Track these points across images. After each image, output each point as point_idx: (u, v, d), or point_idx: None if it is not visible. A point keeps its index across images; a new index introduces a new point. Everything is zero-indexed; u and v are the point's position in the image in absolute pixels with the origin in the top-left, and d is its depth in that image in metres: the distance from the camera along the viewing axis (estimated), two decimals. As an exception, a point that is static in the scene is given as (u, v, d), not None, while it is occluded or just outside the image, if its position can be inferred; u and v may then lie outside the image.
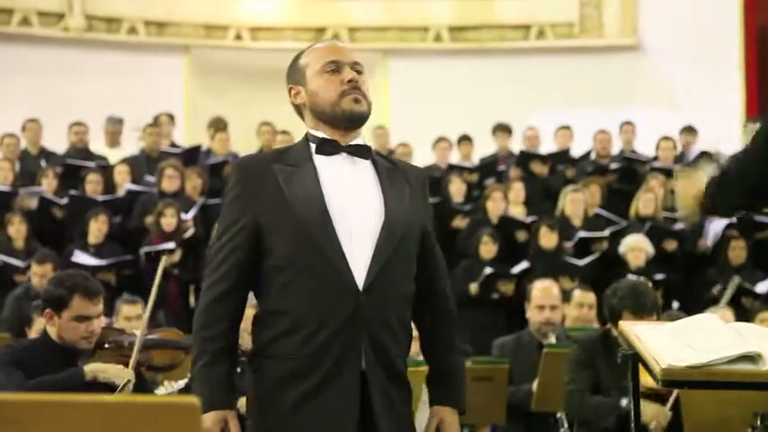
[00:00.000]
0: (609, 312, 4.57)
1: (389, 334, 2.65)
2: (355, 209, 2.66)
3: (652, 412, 4.12)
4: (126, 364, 3.82)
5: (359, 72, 2.75)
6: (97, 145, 10.44)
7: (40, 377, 3.69)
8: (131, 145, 10.78)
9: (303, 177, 2.67)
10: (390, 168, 2.79)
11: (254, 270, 2.67)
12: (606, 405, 4.35)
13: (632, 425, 3.58)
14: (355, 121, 2.73)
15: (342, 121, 2.71)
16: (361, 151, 2.75)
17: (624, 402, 4.12)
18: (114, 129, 10.55)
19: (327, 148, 2.72)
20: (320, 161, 2.71)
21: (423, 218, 2.80)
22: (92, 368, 3.78)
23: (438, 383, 2.83)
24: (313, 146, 2.73)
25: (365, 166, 2.75)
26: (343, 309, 2.59)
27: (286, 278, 2.62)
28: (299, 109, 2.81)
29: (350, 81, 2.70)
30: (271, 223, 2.64)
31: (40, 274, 7.26)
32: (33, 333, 5.12)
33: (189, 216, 8.43)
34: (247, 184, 2.68)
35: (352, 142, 2.75)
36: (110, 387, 3.74)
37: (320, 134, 2.74)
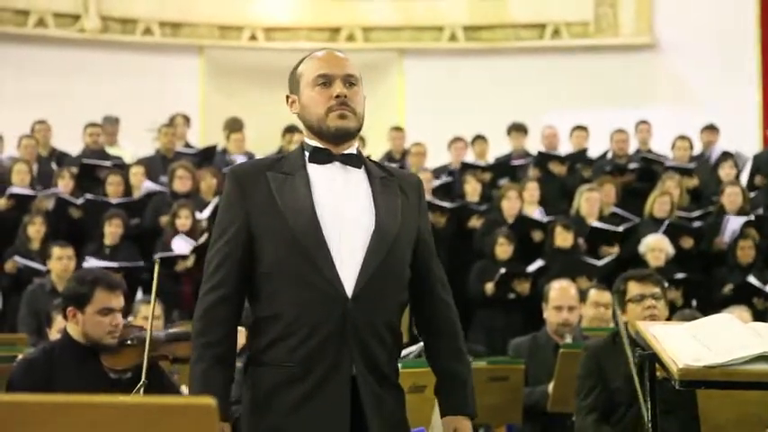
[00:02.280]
0: (617, 297, 4.58)
1: (378, 341, 2.67)
2: (346, 217, 2.68)
3: None
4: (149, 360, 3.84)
5: (352, 84, 2.75)
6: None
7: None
8: (135, 144, 10.80)
9: (295, 185, 2.69)
10: (384, 177, 2.80)
11: (248, 276, 2.69)
12: None
13: (649, 427, 3.56)
14: (341, 137, 2.74)
15: (328, 137, 2.73)
16: (354, 160, 2.77)
17: None
18: (111, 128, 10.56)
19: (320, 156, 2.74)
20: (313, 170, 2.73)
21: (417, 225, 2.81)
22: None
23: (447, 392, 2.84)
24: (307, 154, 2.76)
25: (358, 174, 2.77)
26: (332, 316, 2.61)
27: (276, 285, 2.65)
28: (298, 117, 2.83)
29: (337, 96, 2.71)
30: (262, 230, 2.67)
31: (65, 257, 7.29)
32: (54, 332, 5.12)
33: (204, 216, 8.45)
34: (240, 192, 2.71)
35: (346, 152, 2.77)
36: (133, 385, 3.76)
37: (314, 143, 2.77)
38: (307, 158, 2.75)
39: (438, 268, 2.88)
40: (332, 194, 2.70)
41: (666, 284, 5.81)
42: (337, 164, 2.75)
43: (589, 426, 4.44)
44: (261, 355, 2.67)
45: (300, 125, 2.85)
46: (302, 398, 2.61)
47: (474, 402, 2.84)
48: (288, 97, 2.82)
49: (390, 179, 2.81)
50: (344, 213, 2.68)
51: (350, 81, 2.74)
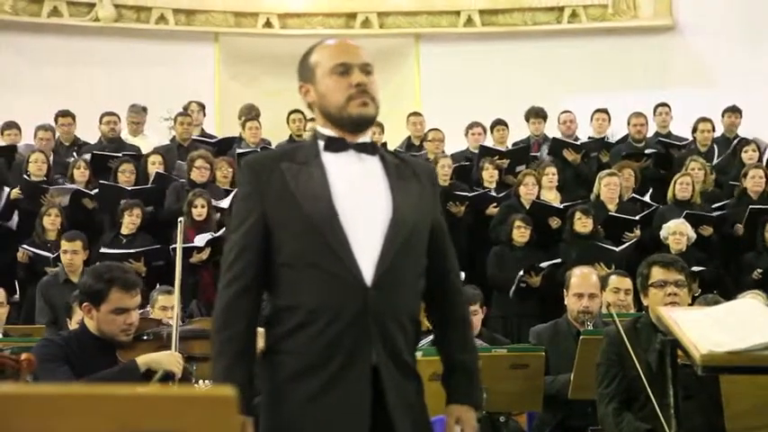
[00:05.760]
0: (640, 280, 4.55)
1: (399, 328, 2.66)
2: (363, 204, 2.67)
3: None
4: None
5: (369, 73, 2.74)
6: (128, 135, 10.48)
7: (94, 374, 3.70)
8: (159, 134, 10.81)
9: (311, 174, 2.68)
10: (399, 164, 2.80)
11: (267, 266, 2.68)
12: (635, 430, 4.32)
13: (672, 412, 3.53)
14: (362, 124, 2.74)
15: (349, 125, 2.73)
16: (369, 148, 2.77)
17: None
18: (138, 118, 10.56)
19: (335, 145, 2.73)
20: (328, 158, 2.72)
21: (433, 212, 2.82)
22: (144, 360, 3.80)
23: (453, 381, 2.84)
24: (321, 143, 2.75)
25: (373, 162, 2.76)
26: (352, 305, 2.59)
27: (295, 274, 2.63)
28: (310, 107, 2.82)
29: (358, 85, 2.70)
30: (279, 220, 2.65)
31: (71, 251, 7.32)
32: (74, 323, 5.14)
33: (224, 205, 8.45)
34: (256, 183, 2.70)
35: (360, 140, 2.76)
36: (166, 377, 3.78)
37: (328, 132, 2.75)
38: (321, 147, 2.74)
39: (452, 256, 2.88)
40: (348, 182, 2.68)
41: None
42: (352, 152, 2.74)
43: (610, 414, 4.42)
44: (279, 344, 2.66)
45: (315, 114, 2.82)
46: (321, 387, 2.59)
47: (480, 393, 2.87)
48: (301, 86, 2.81)
49: (405, 166, 2.81)
50: (361, 200, 2.67)
51: (367, 70, 2.74)
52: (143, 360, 3.81)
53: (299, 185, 2.65)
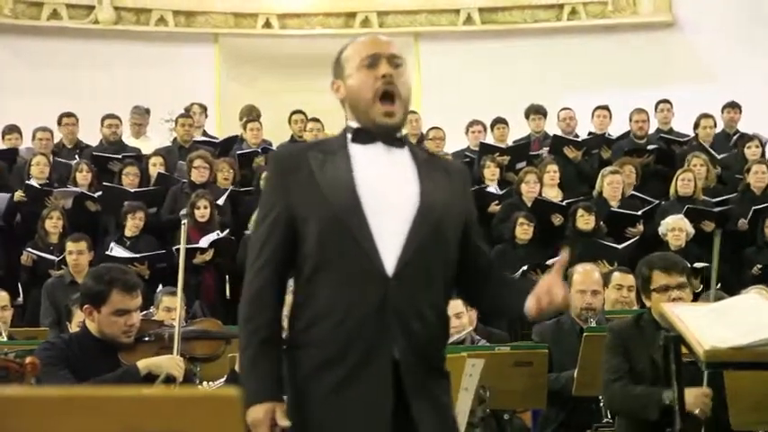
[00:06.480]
0: (641, 282, 4.54)
1: (422, 322, 2.60)
2: (389, 193, 2.64)
3: (694, 398, 3.99)
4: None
5: (398, 65, 2.73)
6: (130, 137, 10.48)
7: (94, 378, 3.70)
8: (160, 136, 10.81)
9: (336, 164, 2.67)
10: (428, 159, 2.79)
11: (292, 258, 2.67)
12: (649, 396, 4.28)
13: (676, 408, 3.53)
14: (386, 133, 2.72)
15: (373, 129, 2.72)
16: (397, 141, 2.75)
17: (667, 396, 4.00)
18: (141, 119, 10.57)
19: (363, 136, 2.72)
20: (355, 149, 2.71)
21: (465, 209, 2.78)
22: (145, 364, 3.80)
23: (512, 291, 2.80)
24: (349, 135, 2.74)
25: (402, 154, 2.74)
26: (372, 296, 2.56)
27: (317, 265, 2.61)
28: (342, 103, 2.81)
29: (384, 76, 2.69)
30: (304, 210, 2.64)
31: (76, 252, 7.33)
32: (73, 326, 5.14)
33: (219, 202, 8.47)
34: (283, 174, 2.70)
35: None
36: (168, 380, 3.79)
37: (357, 125, 2.75)
38: (349, 139, 2.73)
39: (486, 253, 2.88)
40: (375, 172, 2.66)
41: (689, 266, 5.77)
42: (380, 143, 2.72)
43: (617, 390, 4.39)
44: (300, 336, 2.65)
45: (345, 110, 2.81)
46: (340, 381, 2.57)
47: None
48: (333, 83, 2.80)
49: (435, 160, 2.80)
50: (387, 190, 2.65)
51: (395, 62, 2.73)
52: (144, 364, 3.81)
53: (324, 175, 2.64)
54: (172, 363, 3.87)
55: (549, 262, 7.92)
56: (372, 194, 2.62)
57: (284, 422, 2.57)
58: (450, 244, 2.70)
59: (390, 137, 2.73)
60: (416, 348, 2.58)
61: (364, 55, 2.73)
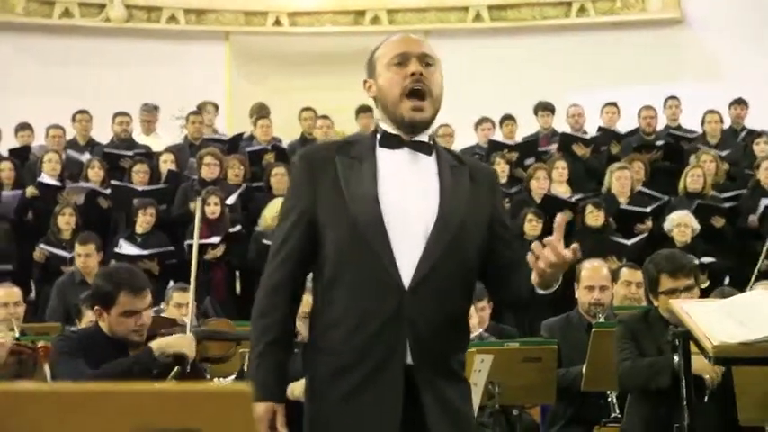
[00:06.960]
0: (648, 282, 4.54)
1: (436, 333, 2.60)
2: (409, 206, 2.64)
3: (704, 364, 3.93)
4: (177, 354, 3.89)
5: (428, 64, 2.75)
6: (140, 134, 10.52)
7: (110, 362, 3.74)
8: (170, 133, 10.83)
9: (362, 171, 2.67)
10: (455, 165, 2.77)
11: (312, 258, 2.69)
12: (660, 362, 4.28)
13: (685, 404, 3.54)
14: (414, 128, 2.72)
15: (402, 126, 2.72)
16: (425, 147, 2.75)
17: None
18: (150, 116, 10.59)
19: (390, 142, 2.73)
20: (382, 155, 2.71)
21: (490, 212, 2.75)
22: (158, 345, 3.84)
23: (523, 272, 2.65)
24: (378, 138, 2.75)
25: (428, 161, 2.73)
26: (387, 307, 2.57)
27: (335, 271, 2.63)
28: (375, 102, 2.83)
29: (413, 74, 2.70)
30: (326, 215, 2.65)
31: (84, 254, 7.36)
32: (83, 325, 5.17)
33: (230, 201, 8.48)
34: (309, 175, 2.70)
35: (417, 138, 2.74)
36: (182, 373, 3.82)
37: (387, 127, 2.75)
38: (377, 142, 2.74)
39: (516, 245, 2.83)
40: (398, 182, 2.66)
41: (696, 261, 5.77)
42: (407, 150, 2.72)
43: (629, 365, 4.40)
44: (317, 341, 2.68)
45: (377, 109, 2.83)
46: (353, 388, 2.58)
47: None
48: (365, 82, 2.82)
49: (461, 167, 2.78)
50: (408, 202, 2.64)
51: (426, 61, 2.74)
52: (157, 345, 3.85)
53: (348, 182, 2.64)
54: (184, 341, 3.91)
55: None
56: (394, 207, 2.62)
57: (284, 430, 2.61)
58: (469, 255, 2.69)
59: (418, 142, 2.72)
60: (430, 356, 2.60)
61: (394, 53, 2.74)
